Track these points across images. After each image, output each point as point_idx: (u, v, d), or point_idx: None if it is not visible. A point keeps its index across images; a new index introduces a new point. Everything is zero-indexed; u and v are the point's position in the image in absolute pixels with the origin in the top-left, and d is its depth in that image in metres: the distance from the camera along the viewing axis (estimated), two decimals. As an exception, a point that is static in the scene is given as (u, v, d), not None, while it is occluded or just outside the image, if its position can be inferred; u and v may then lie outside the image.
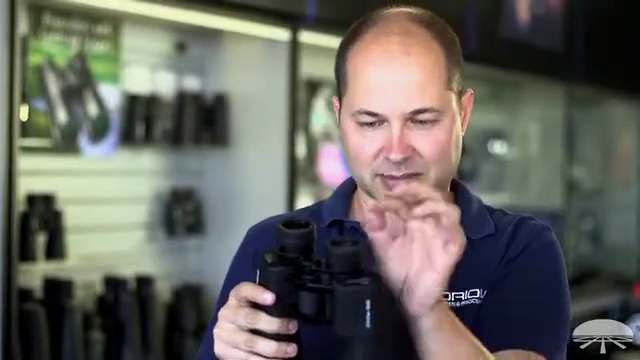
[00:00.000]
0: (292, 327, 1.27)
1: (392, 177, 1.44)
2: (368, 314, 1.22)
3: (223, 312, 1.30)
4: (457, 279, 1.44)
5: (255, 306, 1.27)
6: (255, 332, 1.27)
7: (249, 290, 1.28)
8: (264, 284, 1.27)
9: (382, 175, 1.45)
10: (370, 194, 1.49)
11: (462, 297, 1.47)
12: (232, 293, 1.30)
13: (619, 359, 2.40)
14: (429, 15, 1.49)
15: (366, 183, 1.48)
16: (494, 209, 1.57)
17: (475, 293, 1.47)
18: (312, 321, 1.27)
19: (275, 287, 1.26)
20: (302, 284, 1.26)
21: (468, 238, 1.48)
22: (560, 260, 1.51)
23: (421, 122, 1.44)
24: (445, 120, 1.45)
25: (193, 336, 3.88)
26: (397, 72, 1.43)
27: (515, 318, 1.43)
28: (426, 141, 1.44)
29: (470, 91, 1.53)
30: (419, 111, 1.43)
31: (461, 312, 1.38)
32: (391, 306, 1.25)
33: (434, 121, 1.44)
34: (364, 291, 1.22)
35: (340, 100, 1.52)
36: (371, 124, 1.45)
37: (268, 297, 1.25)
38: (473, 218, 1.52)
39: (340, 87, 1.51)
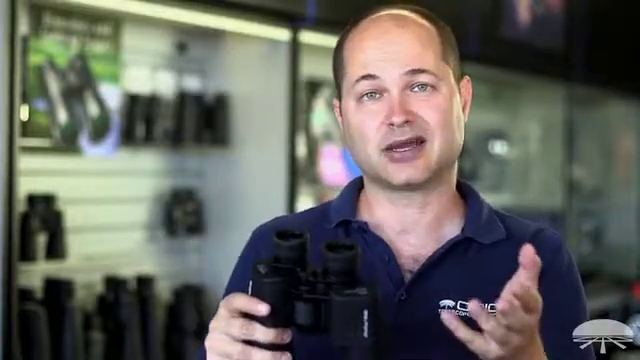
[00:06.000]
0: (286, 337, 1.26)
1: (397, 145, 1.44)
2: (366, 324, 1.21)
3: (214, 324, 1.28)
4: (470, 288, 1.43)
5: (248, 316, 1.26)
6: (248, 343, 1.26)
7: (242, 301, 1.26)
8: (258, 295, 1.25)
9: (387, 149, 1.45)
10: (377, 176, 1.48)
11: None
12: (222, 304, 1.28)
13: (619, 359, 2.40)
14: (420, 8, 1.54)
15: (372, 162, 1.47)
16: (506, 215, 1.56)
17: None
18: (307, 330, 1.26)
19: (270, 298, 1.24)
20: (298, 295, 1.25)
21: (478, 243, 1.48)
22: (579, 277, 1.53)
23: (420, 87, 1.45)
24: (443, 89, 1.47)
25: (193, 336, 3.88)
26: (393, 43, 1.46)
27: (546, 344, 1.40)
28: (426, 106, 1.45)
29: (467, 77, 1.54)
30: (416, 70, 1.45)
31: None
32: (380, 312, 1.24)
33: (433, 87, 1.46)
34: (362, 301, 1.21)
35: (340, 95, 1.52)
36: (371, 95, 1.46)
37: (263, 308, 1.24)
38: (483, 223, 1.51)
39: (338, 77, 1.52)
